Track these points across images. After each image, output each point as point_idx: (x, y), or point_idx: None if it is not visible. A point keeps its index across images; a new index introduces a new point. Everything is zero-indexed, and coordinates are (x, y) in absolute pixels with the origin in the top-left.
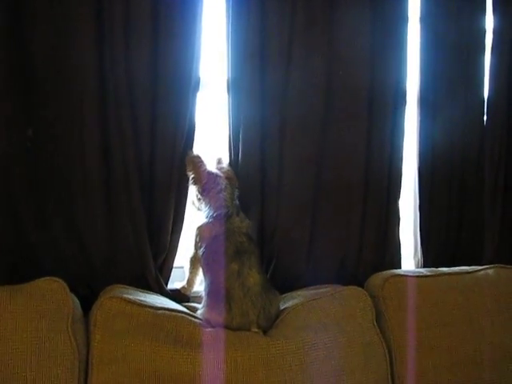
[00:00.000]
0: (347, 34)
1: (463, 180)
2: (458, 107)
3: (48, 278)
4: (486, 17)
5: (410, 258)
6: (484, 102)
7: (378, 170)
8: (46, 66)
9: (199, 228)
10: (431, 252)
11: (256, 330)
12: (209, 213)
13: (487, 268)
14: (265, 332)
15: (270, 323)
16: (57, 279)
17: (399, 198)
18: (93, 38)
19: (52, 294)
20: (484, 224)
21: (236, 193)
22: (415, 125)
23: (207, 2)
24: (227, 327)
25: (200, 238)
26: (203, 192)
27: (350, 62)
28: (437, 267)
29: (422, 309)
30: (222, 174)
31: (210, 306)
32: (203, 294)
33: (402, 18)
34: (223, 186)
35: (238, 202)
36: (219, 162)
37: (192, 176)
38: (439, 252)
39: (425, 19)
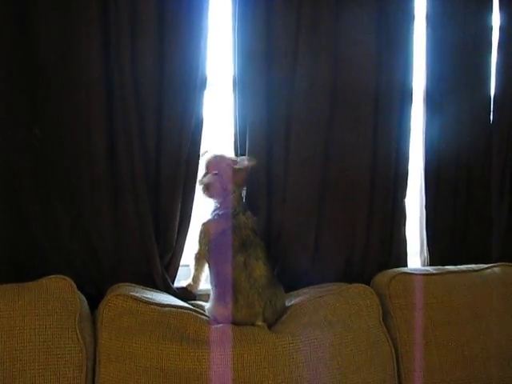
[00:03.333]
0: (353, 34)
1: (470, 178)
2: (464, 106)
3: (55, 276)
4: (493, 15)
5: (416, 256)
6: (490, 100)
7: (384, 169)
8: (53, 67)
9: (205, 224)
10: (437, 250)
11: (261, 323)
12: (214, 210)
13: (494, 266)
14: (269, 326)
15: (275, 317)
16: (64, 277)
17: (405, 196)
18: (99, 39)
19: (59, 291)
20: (491, 222)
21: (243, 193)
22: (421, 123)
23: (213, 1)
24: (233, 319)
25: (205, 234)
26: (210, 194)
27: (356, 61)
28: (443, 265)
29: (429, 307)
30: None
31: (217, 298)
32: (210, 288)
33: (408, 17)
34: (230, 190)
35: (244, 201)
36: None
37: (204, 183)
38: (445, 250)
39: (431, 17)
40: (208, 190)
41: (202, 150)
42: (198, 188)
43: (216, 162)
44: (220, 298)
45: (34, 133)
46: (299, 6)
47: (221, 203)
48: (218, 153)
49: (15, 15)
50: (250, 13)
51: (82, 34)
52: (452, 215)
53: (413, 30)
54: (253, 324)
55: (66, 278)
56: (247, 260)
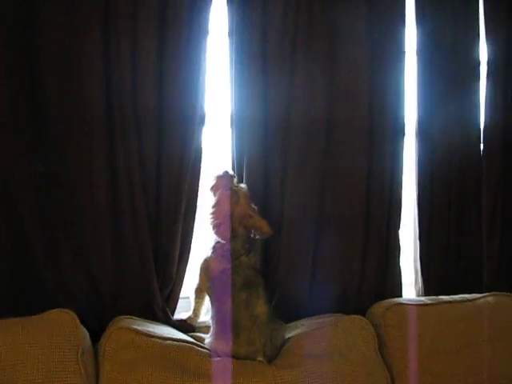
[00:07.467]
0: (347, 69)
1: (462, 209)
2: (455, 137)
3: (58, 309)
4: (480, 47)
5: (411, 287)
6: (480, 130)
7: (378, 201)
8: (56, 104)
9: (206, 261)
10: (432, 280)
11: (261, 358)
12: (216, 246)
13: (487, 296)
14: (270, 361)
15: (275, 353)
16: (67, 311)
17: (399, 227)
18: (101, 77)
19: (62, 325)
20: (483, 252)
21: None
22: (414, 155)
23: (211, 39)
24: (234, 356)
25: (207, 271)
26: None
27: (350, 96)
28: (437, 295)
29: (424, 337)
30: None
31: (217, 334)
32: (211, 323)
33: (399, 52)
34: (238, 233)
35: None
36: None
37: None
38: (440, 280)
39: (422, 52)
40: (218, 228)
41: (219, 171)
42: (208, 222)
43: (233, 196)
44: (221, 333)
45: (38, 170)
46: (294, 42)
47: (224, 239)
48: (240, 187)
49: (20, 57)
50: (246, 51)
51: (84, 72)
52: (445, 246)
53: (403, 65)
54: (254, 360)
55: (69, 311)
56: (249, 298)
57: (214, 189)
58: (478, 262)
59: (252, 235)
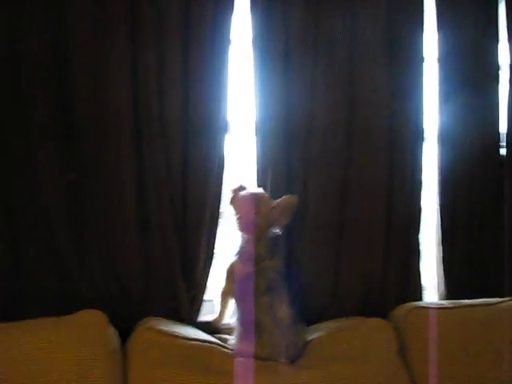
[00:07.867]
0: (367, 75)
1: (484, 213)
2: (477, 142)
3: (89, 310)
4: (499, 52)
5: (433, 291)
6: (499, 134)
7: (399, 206)
8: (86, 114)
9: (231, 265)
10: (454, 285)
11: (284, 360)
12: (241, 251)
13: (509, 300)
14: (292, 363)
15: (297, 355)
16: (97, 311)
17: (419, 232)
18: (129, 91)
19: (92, 325)
20: (505, 256)
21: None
22: (436, 160)
23: (235, 47)
24: (257, 357)
25: (231, 274)
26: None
27: (370, 103)
28: (459, 299)
29: (445, 340)
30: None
31: (241, 336)
32: (235, 325)
33: (418, 59)
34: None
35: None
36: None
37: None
38: (462, 284)
39: (443, 58)
40: (244, 227)
41: (235, 184)
42: (234, 222)
43: (253, 201)
44: (245, 335)
45: (69, 177)
46: (315, 49)
47: (248, 244)
48: (256, 191)
49: (55, 74)
50: (269, 57)
51: (113, 88)
52: (467, 251)
53: (422, 71)
54: (277, 361)
55: (99, 312)
56: (272, 301)
57: (233, 201)
58: (501, 266)
59: (278, 232)
